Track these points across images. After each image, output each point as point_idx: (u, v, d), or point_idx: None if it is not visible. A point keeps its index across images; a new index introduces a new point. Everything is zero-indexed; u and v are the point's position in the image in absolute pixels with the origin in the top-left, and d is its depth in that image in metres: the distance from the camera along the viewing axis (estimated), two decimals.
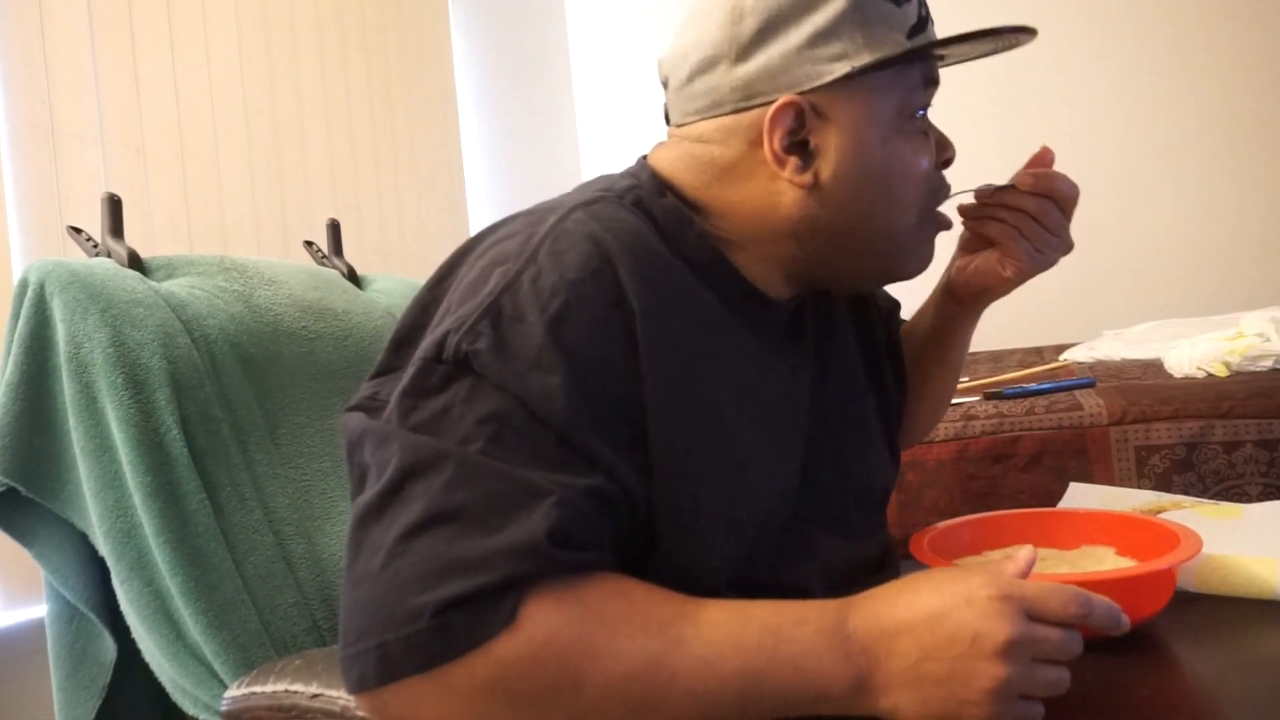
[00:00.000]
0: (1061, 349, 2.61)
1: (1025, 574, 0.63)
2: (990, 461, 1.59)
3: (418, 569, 0.58)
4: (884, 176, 0.77)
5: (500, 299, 0.65)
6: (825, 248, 0.78)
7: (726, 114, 0.76)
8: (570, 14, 3.74)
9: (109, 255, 1.02)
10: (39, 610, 1.05)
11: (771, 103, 0.74)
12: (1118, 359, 2.24)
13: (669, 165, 0.80)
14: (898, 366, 1.03)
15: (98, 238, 1.04)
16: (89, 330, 0.89)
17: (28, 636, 1.48)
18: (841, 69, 0.73)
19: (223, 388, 0.98)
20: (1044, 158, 0.91)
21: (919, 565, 0.81)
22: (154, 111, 1.89)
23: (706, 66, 0.76)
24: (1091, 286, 3.14)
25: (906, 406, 1.05)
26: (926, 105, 0.79)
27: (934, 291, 1.02)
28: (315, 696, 0.72)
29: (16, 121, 1.62)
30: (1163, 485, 1.50)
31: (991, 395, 1.81)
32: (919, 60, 0.77)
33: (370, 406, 0.71)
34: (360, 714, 0.67)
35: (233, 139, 2.09)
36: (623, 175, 0.81)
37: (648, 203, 0.76)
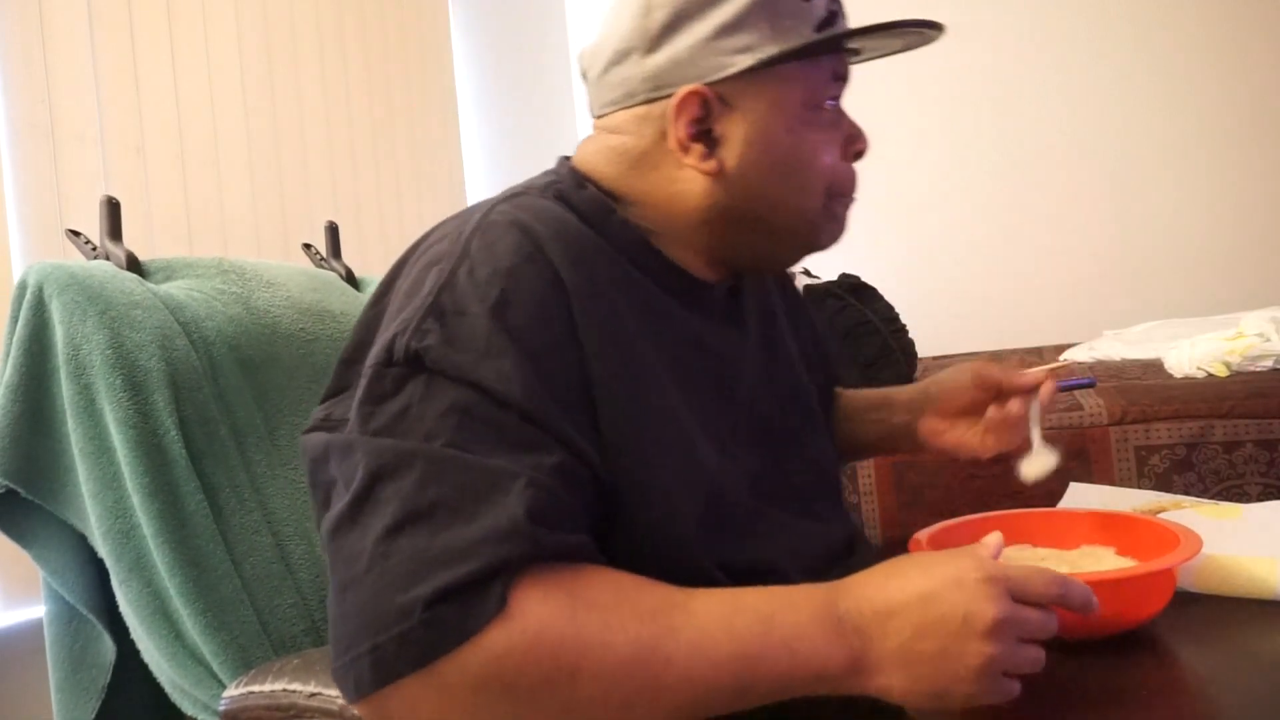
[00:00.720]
0: (1061, 349, 2.61)
1: (996, 556, 0.66)
2: (990, 461, 1.59)
3: (402, 568, 0.58)
4: (789, 165, 0.78)
5: (440, 297, 0.67)
6: (736, 233, 0.80)
7: (638, 104, 0.79)
8: (570, 14, 3.74)
9: (107, 258, 1.02)
10: (38, 610, 1.05)
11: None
12: (1118, 359, 2.24)
13: (589, 159, 0.82)
14: (827, 371, 1.08)
15: (96, 240, 1.04)
16: (88, 332, 0.89)
17: (27, 637, 1.48)
18: (746, 61, 0.75)
19: (221, 389, 0.98)
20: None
21: None
22: (154, 112, 1.89)
23: (619, 58, 0.79)
24: (1091, 286, 3.13)
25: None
26: (835, 98, 0.81)
27: (893, 413, 1.08)
28: (313, 695, 0.72)
29: (16, 121, 1.62)
30: (1163, 485, 1.50)
31: None
32: (826, 54, 0.78)
33: (327, 427, 0.71)
34: (357, 713, 0.67)
35: (232, 140, 2.09)
36: (543, 174, 0.84)
37: (569, 195, 0.79)
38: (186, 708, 0.90)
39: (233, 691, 0.77)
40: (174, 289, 1.02)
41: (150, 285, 0.99)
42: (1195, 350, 1.78)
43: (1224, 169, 3.04)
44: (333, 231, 1.42)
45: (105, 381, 0.88)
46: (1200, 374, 1.74)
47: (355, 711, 0.66)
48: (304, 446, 0.72)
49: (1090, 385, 1.79)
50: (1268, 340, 1.75)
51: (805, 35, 0.76)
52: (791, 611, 0.62)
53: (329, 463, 0.67)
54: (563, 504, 0.63)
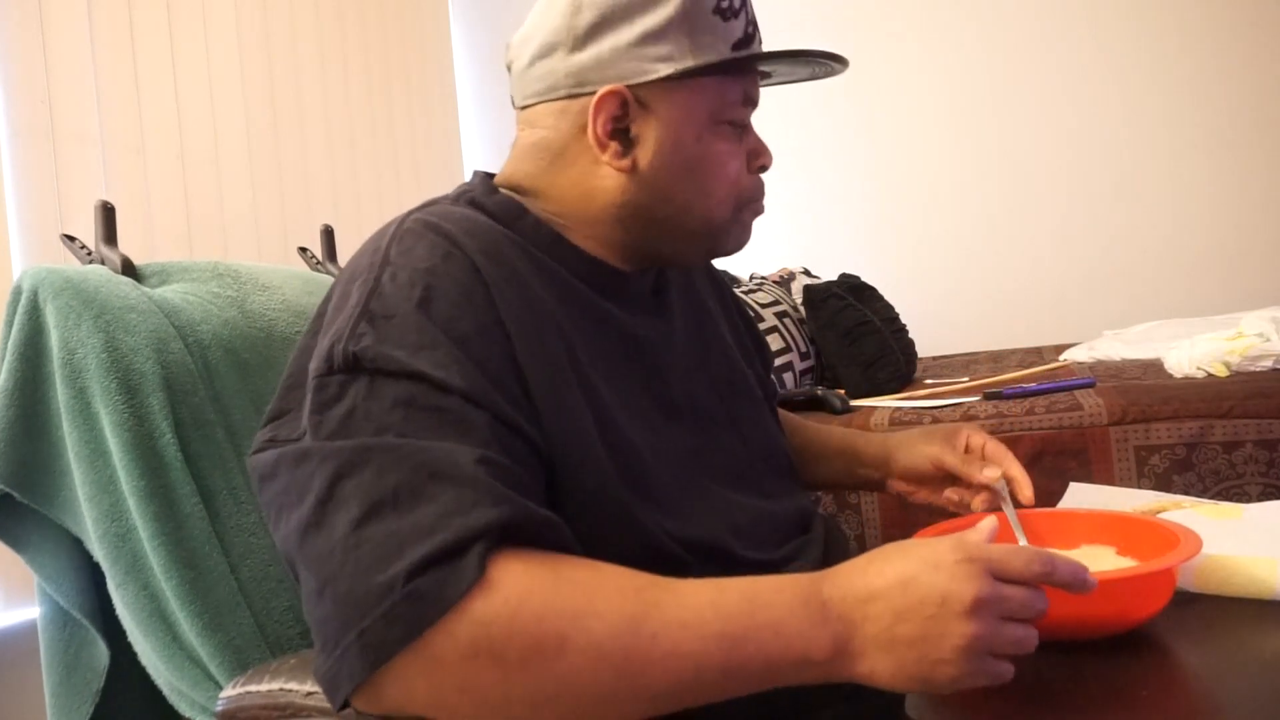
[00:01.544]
0: (1061, 349, 2.61)
1: (989, 541, 0.66)
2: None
3: (376, 552, 0.59)
4: (696, 170, 0.82)
5: (369, 303, 0.70)
6: (646, 230, 0.84)
7: (560, 99, 0.82)
8: None
9: (102, 262, 1.02)
10: (34, 612, 1.05)
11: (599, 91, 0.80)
12: (1118, 359, 2.24)
13: (507, 166, 0.87)
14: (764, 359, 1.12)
15: (91, 245, 1.04)
16: (82, 336, 0.89)
17: (23, 639, 1.48)
18: (665, 69, 0.79)
19: (216, 392, 0.98)
20: None
21: None
22: (154, 113, 1.89)
23: (545, 52, 0.82)
24: (1091, 286, 3.13)
25: None
26: (742, 120, 0.85)
27: (859, 464, 1.11)
28: (310, 694, 0.72)
29: (16, 123, 1.62)
30: (1163, 485, 1.50)
31: (991, 395, 1.81)
32: (737, 72, 0.83)
33: (273, 447, 0.72)
34: (353, 711, 0.66)
35: (232, 142, 2.09)
36: (456, 188, 0.88)
37: (480, 200, 0.83)
38: (183, 709, 0.90)
39: (230, 692, 0.77)
40: (169, 293, 1.02)
41: (145, 289, 0.99)
42: (1195, 350, 1.78)
43: (1224, 169, 3.04)
44: (328, 235, 1.42)
45: (100, 385, 0.88)
46: (1200, 374, 1.74)
47: (352, 711, 0.66)
48: (251, 467, 0.73)
49: (1090, 385, 1.78)
50: (1268, 340, 1.75)
51: (721, 53, 0.81)
52: (776, 595, 0.62)
53: (277, 478, 0.68)
54: (515, 476, 0.65)
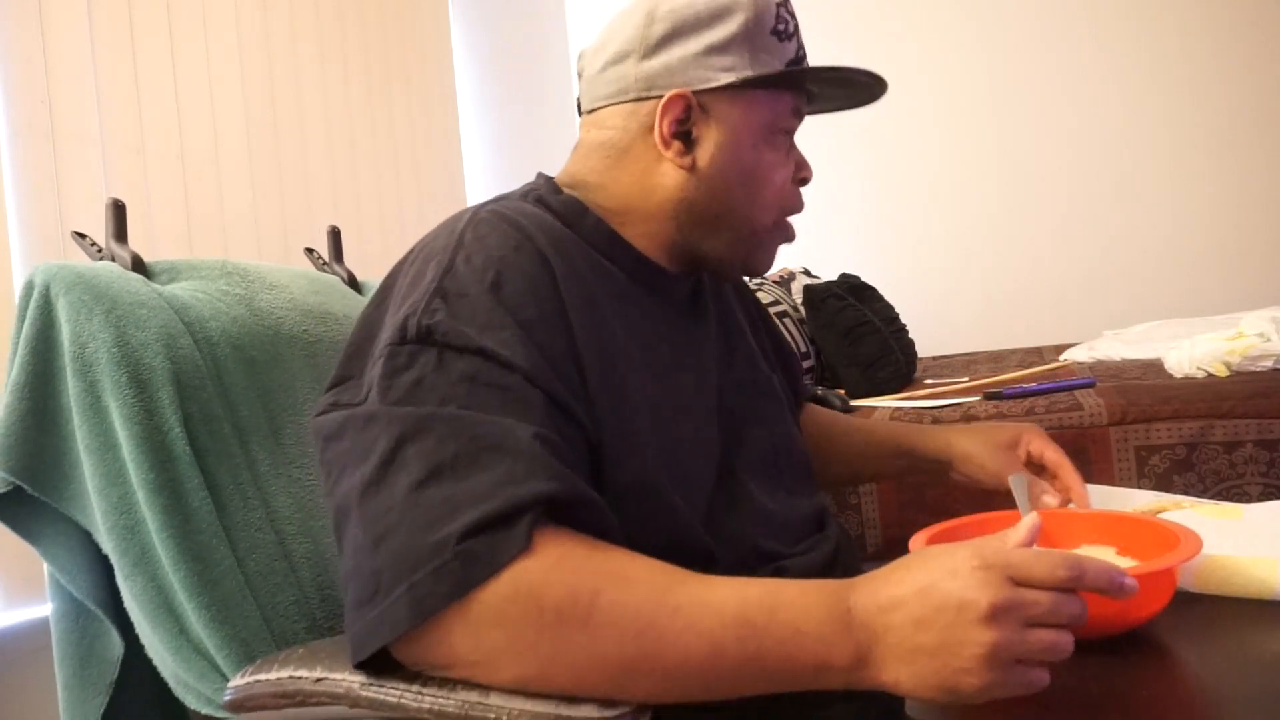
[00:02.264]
0: (1061, 349, 2.62)
1: (1028, 542, 0.65)
2: None
3: (433, 513, 0.63)
4: (750, 174, 0.90)
5: (444, 282, 0.75)
6: (697, 229, 0.90)
7: (629, 101, 0.90)
8: (571, 17, 3.75)
9: (113, 259, 1.02)
10: (39, 610, 1.05)
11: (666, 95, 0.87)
12: (1118, 359, 2.24)
13: (569, 167, 0.94)
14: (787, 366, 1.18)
15: (101, 242, 1.05)
16: (93, 331, 0.89)
17: (29, 636, 1.48)
18: (727, 78, 0.88)
19: (225, 388, 0.99)
20: None
21: None
22: (154, 113, 1.89)
23: (619, 59, 0.90)
24: (1091, 286, 3.14)
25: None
26: (790, 130, 0.94)
27: (916, 463, 1.16)
28: (320, 680, 0.72)
29: (16, 122, 1.62)
30: (1163, 485, 1.50)
31: (991, 395, 1.81)
32: (790, 87, 0.91)
33: (337, 409, 0.76)
34: (365, 693, 0.67)
35: (233, 142, 2.09)
36: (522, 186, 0.94)
37: (545, 199, 0.89)
38: (190, 701, 0.91)
39: (238, 681, 0.78)
40: (178, 290, 1.02)
41: (155, 286, 0.99)
42: (1195, 350, 1.79)
43: (1224, 169, 3.05)
44: (334, 236, 1.43)
45: (111, 379, 0.89)
46: (1200, 374, 1.74)
47: (363, 693, 0.67)
48: (316, 427, 0.77)
49: (1090, 385, 1.79)
50: (1268, 340, 1.75)
51: (777, 68, 0.89)
52: (801, 595, 0.63)
53: (343, 438, 0.72)
54: (566, 455, 0.69)
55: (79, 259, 1.01)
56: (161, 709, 0.98)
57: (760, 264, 0.95)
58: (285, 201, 2.23)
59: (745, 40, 0.88)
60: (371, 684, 0.68)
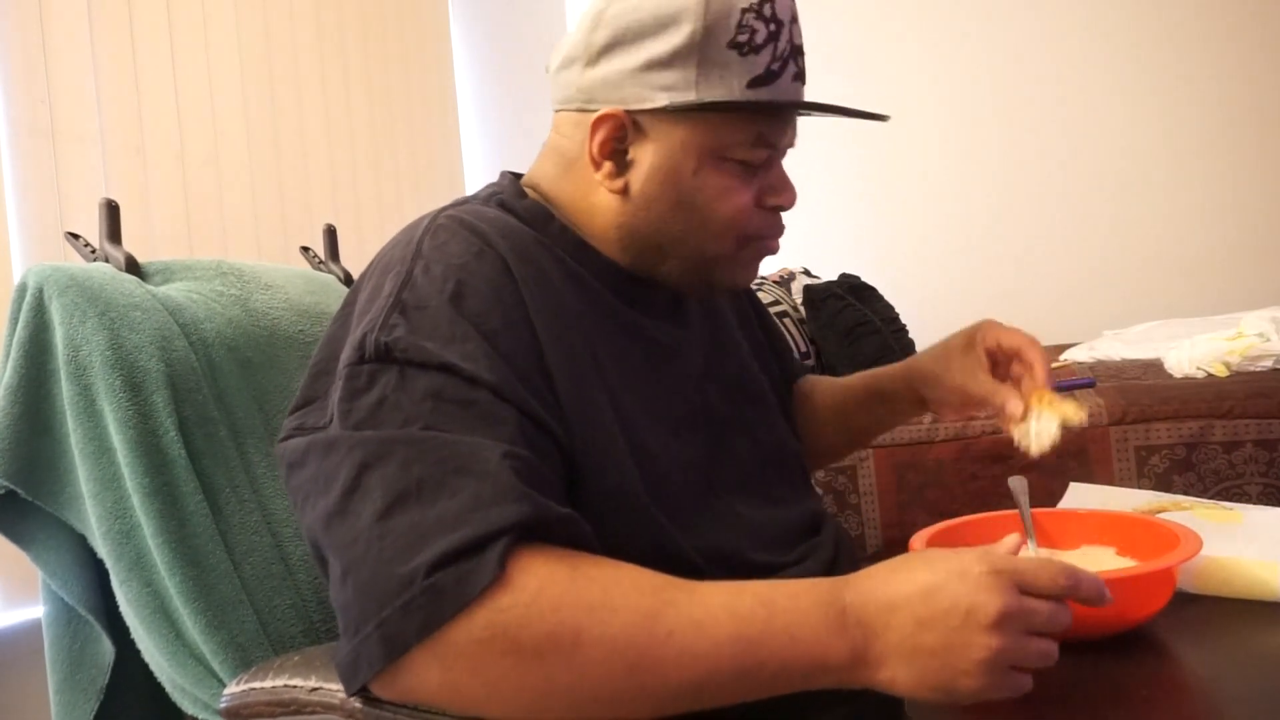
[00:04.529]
0: (1061, 349, 2.61)
1: (1014, 555, 0.65)
2: (991, 461, 1.59)
3: (400, 543, 0.60)
4: (689, 204, 0.81)
5: (401, 295, 0.71)
6: (645, 256, 0.84)
7: (574, 110, 0.84)
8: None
9: (107, 260, 1.02)
10: (37, 611, 1.05)
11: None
12: (1118, 359, 2.24)
13: (535, 165, 0.89)
14: (778, 350, 1.11)
15: (95, 243, 1.04)
16: (87, 333, 0.89)
17: (26, 638, 1.48)
18: (662, 100, 0.78)
19: (220, 390, 0.98)
20: None
21: None
22: (154, 113, 1.89)
23: (567, 64, 0.84)
24: (1091, 286, 3.13)
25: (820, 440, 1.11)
26: (754, 161, 0.81)
27: (895, 410, 1.08)
28: (315, 690, 0.72)
29: (16, 123, 1.62)
30: (1163, 485, 1.50)
31: None
32: (744, 113, 0.79)
33: (302, 434, 0.73)
34: (358, 705, 0.67)
35: (232, 141, 2.09)
36: (486, 187, 0.89)
37: (509, 203, 0.84)
38: (187, 707, 0.90)
39: (234, 689, 0.78)
40: (173, 291, 1.02)
41: (149, 287, 0.99)
42: (1195, 350, 1.78)
43: (1224, 169, 3.04)
44: (330, 234, 1.42)
45: (105, 382, 0.88)
46: (1200, 374, 1.74)
47: (355, 703, 0.66)
48: (280, 453, 0.74)
49: (1090, 385, 1.78)
50: (1268, 340, 1.75)
51: (731, 89, 0.78)
52: (794, 600, 0.62)
53: (306, 465, 0.70)
54: (539, 472, 0.66)
55: (76, 260, 1.00)
56: (156, 713, 0.97)
57: (727, 283, 0.87)
58: (285, 201, 2.22)
59: (691, 55, 0.77)
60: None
